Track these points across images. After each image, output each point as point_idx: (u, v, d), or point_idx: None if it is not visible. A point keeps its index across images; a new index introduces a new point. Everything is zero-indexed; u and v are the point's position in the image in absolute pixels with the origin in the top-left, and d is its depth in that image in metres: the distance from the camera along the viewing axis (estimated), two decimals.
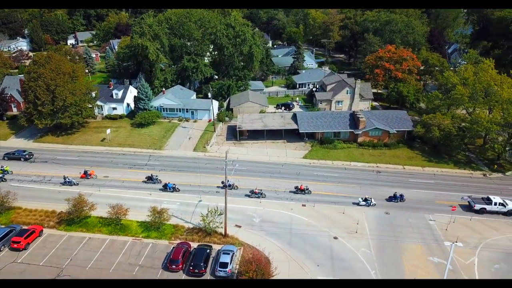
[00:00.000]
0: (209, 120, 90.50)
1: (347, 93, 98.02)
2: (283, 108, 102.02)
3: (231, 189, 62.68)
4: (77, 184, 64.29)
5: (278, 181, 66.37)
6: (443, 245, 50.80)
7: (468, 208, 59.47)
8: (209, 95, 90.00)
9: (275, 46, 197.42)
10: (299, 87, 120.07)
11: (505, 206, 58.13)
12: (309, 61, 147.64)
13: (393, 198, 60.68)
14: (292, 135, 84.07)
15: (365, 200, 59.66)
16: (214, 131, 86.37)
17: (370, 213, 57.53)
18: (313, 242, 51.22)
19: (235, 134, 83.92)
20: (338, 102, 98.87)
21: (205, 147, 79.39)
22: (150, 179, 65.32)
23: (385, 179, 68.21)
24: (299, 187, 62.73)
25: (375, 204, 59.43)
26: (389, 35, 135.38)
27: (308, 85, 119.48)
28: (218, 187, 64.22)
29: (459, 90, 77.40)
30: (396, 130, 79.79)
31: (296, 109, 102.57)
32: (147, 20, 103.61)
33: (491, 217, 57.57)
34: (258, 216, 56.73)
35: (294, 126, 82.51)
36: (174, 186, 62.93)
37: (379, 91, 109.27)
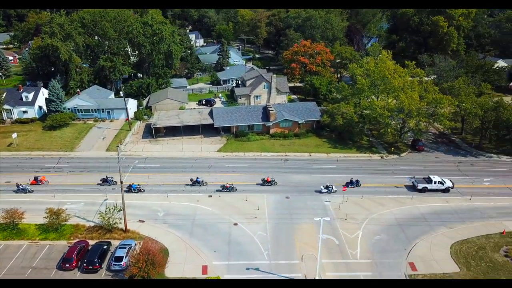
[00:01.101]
0: (126, 119, 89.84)
1: (264, 88, 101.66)
2: (204, 104, 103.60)
3: (200, 185, 63.76)
4: (32, 191, 61.93)
5: (189, 175, 67.79)
6: (334, 223, 55.25)
7: (413, 188, 64.37)
8: (121, 93, 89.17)
9: (206, 44, 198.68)
10: (223, 83, 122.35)
11: (443, 184, 63.40)
12: (236, 57, 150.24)
13: (350, 184, 64.40)
14: (209, 130, 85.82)
15: (327, 187, 62.64)
16: (130, 130, 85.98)
17: (272, 199, 60.89)
18: (214, 230, 53.42)
19: (151, 132, 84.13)
20: (257, 96, 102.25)
21: (118, 146, 78.67)
22: (105, 181, 64.37)
23: (291, 166, 72.27)
24: (266, 179, 64.18)
25: (336, 191, 62.44)
26: (310, 31, 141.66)
27: (232, 81, 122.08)
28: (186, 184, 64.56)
29: (360, 81, 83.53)
30: (304, 121, 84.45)
31: (218, 104, 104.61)
32: (57, 19, 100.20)
33: (385, 194, 62.77)
34: (163, 210, 57.90)
35: (210, 121, 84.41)
36: (138, 187, 62.49)
37: (296, 84, 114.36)
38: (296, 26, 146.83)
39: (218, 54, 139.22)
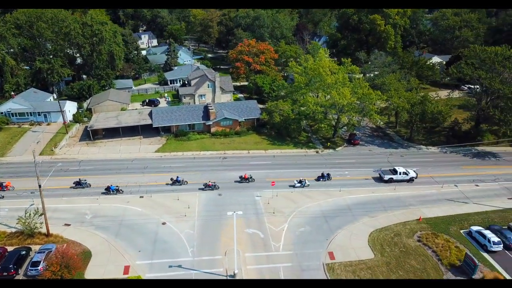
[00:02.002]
0: (64, 122, 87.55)
1: (208, 87, 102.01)
2: (148, 104, 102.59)
3: (180, 184, 63.77)
4: (2, 197, 59.74)
5: (122, 176, 67.22)
6: (261, 217, 56.61)
7: (380, 179, 67.20)
8: (55, 96, 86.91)
9: (159, 44, 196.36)
10: (170, 83, 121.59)
11: (407, 175, 66.54)
12: (186, 57, 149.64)
13: (321, 178, 66.52)
14: (150, 131, 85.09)
15: (300, 182, 64.11)
16: (67, 132, 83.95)
17: (204, 196, 61.52)
18: (141, 230, 53.37)
19: (89, 134, 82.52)
20: (201, 96, 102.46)
21: (52, 150, 76.87)
22: (78, 183, 62.76)
23: (229, 164, 73.17)
24: (243, 176, 64.74)
25: (309, 185, 64.24)
26: (259, 30, 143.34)
27: (179, 81, 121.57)
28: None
29: (297, 78, 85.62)
30: (245, 119, 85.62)
31: (163, 104, 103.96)
32: None
33: (320, 187, 64.94)
34: (92, 212, 57.15)
35: (150, 122, 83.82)
36: (117, 188, 61.59)
37: (243, 83, 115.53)
38: (245, 26, 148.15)
39: (166, 54, 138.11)
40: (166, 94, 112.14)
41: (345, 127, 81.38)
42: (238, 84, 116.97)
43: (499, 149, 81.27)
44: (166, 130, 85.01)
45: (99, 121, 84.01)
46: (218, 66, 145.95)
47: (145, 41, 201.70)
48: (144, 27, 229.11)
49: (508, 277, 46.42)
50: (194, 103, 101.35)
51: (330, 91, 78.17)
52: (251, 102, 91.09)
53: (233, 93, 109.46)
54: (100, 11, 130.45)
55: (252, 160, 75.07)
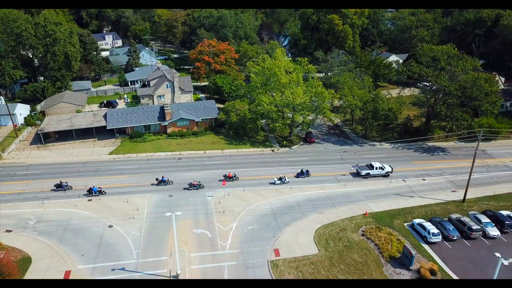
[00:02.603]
0: (15, 126, 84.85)
1: (167, 87, 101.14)
2: (105, 105, 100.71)
3: (165, 184, 64.14)
4: None
5: (72, 180, 65.75)
6: (211, 217, 56.67)
7: (357, 174, 68.78)
8: (2, 98, 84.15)
9: (124, 44, 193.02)
10: (131, 84, 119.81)
11: (383, 169, 68.53)
12: (149, 58, 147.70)
13: (301, 174, 67.70)
14: (105, 133, 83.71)
15: (280, 179, 65.32)
16: (17, 136, 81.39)
17: (154, 198, 61.01)
18: (86, 234, 52.40)
19: (41, 138, 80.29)
20: (160, 96, 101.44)
21: (0, 154, 74.40)
22: (59, 186, 62.03)
23: (184, 164, 72.87)
24: (227, 175, 65.52)
25: (288, 182, 65.38)
26: (222, 30, 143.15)
27: (140, 82, 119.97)
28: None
29: (253, 78, 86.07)
30: (202, 119, 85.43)
31: (121, 106, 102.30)
32: None
33: (276, 186, 65.48)
34: (36, 217, 55.65)
35: (104, 123, 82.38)
36: (99, 189, 61.02)
37: (204, 83, 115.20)
38: (209, 26, 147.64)
39: (127, 55, 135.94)
40: (125, 95, 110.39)
41: (300, 126, 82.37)
42: (199, 84, 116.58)
43: (447, 144, 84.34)
44: (122, 131, 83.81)
45: (51, 123, 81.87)
46: (182, 67, 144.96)
47: (109, 42, 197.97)
48: (109, 28, 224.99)
49: (444, 266, 48.28)
50: (153, 104, 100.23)
51: (284, 90, 78.96)
52: (209, 102, 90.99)
53: (194, 93, 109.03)
54: (62, 12, 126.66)
55: (208, 160, 75.04)
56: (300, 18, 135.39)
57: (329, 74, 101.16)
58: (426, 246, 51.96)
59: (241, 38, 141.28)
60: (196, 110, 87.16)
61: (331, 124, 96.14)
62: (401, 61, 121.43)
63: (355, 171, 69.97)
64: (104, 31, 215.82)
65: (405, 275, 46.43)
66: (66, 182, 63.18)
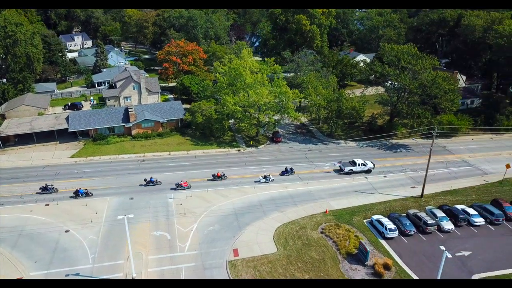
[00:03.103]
0: None
1: (133, 88, 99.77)
2: (70, 108, 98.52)
3: (154, 185, 64.13)
4: None
5: (30, 185, 64.11)
6: (172, 218, 56.23)
7: (341, 171, 70.61)
8: None
9: (94, 45, 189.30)
10: (98, 85, 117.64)
11: (365, 166, 70.43)
12: (118, 59, 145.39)
13: (285, 172, 68.84)
14: (68, 136, 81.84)
15: (265, 177, 65.99)
16: None
17: (115, 201, 60.08)
18: (41, 240, 51.15)
19: None
20: (126, 98, 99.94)
21: None
22: (45, 189, 61.27)
23: (147, 167, 71.99)
24: (216, 174, 65.67)
25: (273, 180, 66.29)
26: (193, 31, 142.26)
27: (107, 83, 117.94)
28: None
29: (219, 78, 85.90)
30: (167, 120, 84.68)
31: (87, 108, 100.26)
32: None
33: (240, 185, 65.54)
34: None
35: (66, 126, 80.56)
36: (86, 191, 60.50)
37: (171, 84, 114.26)
38: (179, 26, 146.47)
39: (94, 56, 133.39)
40: (91, 97, 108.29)
41: (267, 126, 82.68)
42: (168, 85, 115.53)
43: (410, 141, 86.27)
44: (85, 134, 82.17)
45: (10, 127, 79.51)
46: (153, 67, 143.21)
47: (79, 43, 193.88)
48: (80, 28, 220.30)
49: (399, 261, 49.36)
50: (120, 105, 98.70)
51: (249, 90, 79.11)
52: (175, 103, 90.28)
53: (162, 94, 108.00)
54: (30, 12, 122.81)
55: (173, 161, 74.41)
56: (269, 18, 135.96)
57: (293, 74, 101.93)
58: (383, 242, 53.01)
59: (211, 39, 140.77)
60: (162, 111, 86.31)
61: (299, 123, 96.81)
62: (368, 60, 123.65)
63: (339, 168, 71.69)
64: (74, 32, 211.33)
65: (360, 271, 47.23)
66: (52, 185, 62.53)
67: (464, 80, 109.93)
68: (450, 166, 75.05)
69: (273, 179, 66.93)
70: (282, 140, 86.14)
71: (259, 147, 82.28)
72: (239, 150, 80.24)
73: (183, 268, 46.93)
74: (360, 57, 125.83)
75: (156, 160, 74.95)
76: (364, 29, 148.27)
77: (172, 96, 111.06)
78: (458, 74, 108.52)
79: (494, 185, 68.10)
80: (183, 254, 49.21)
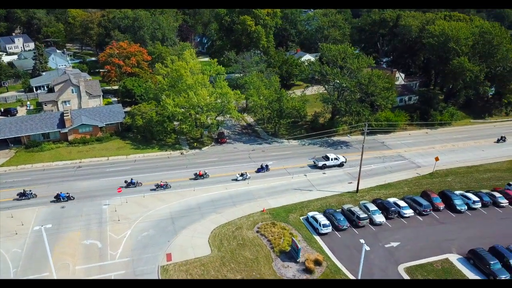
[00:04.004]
0: None
1: (72, 92, 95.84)
2: (3, 114, 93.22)
3: (135, 186, 64.13)
4: None
5: None
6: (104, 226, 54.48)
7: (315, 166, 73.32)
8: None
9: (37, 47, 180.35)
10: (37, 90, 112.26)
11: (338, 160, 73.34)
12: (60, 61, 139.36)
13: (261, 169, 70.74)
14: None
15: (242, 175, 67.45)
16: None
17: (44, 211, 57.40)
18: None
19: None
20: (65, 102, 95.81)
21: None
22: (23, 195, 59.83)
23: (83, 173, 69.41)
24: (198, 173, 66.77)
25: (249, 177, 67.65)
26: (139, 32, 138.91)
27: (46, 87, 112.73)
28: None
29: (160, 80, 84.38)
30: (105, 124, 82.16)
31: (23, 113, 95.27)
32: None
33: (179, 189, 64.60)
34: None
35: None
36: (68, 195, 59.69)
37: (114, 87, 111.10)
38: (124, 27, 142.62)
39: (33, 59, 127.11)
40: (28, 102, 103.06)
41: (210, 127, 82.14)
42: (111, 88, 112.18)
43: (350, 138, 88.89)
44: (17, 141, 77.99)
45: None
46: (98, 70, 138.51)
47: (19, 45, 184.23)
48: (21, 30, 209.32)
49: (331, 255, 50.52)
50: (58, 110, 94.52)
51: (189, 92, 78.27)
52: (115, 106, 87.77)
53: (105, 98, 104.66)
54: None
55: (111, 166, 72.19)
56: (214, 19, 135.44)
57: (238, 74, 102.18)
58: (317, 238, 54.11)
59: (159, 40, 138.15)
60: (101, 115, 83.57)
61: (245, 123, 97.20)
62: (313, 60, 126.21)
63: (313, 163, 74.11)
64: (14, 34, 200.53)
65: (292, 267, 47.90)
66: (30, 190, 60.94)
67: (403, 78, 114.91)
68: (386, 161, 78.01)
69: (249, 177, 68.26)
70: (227, 140, 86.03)
71: (202, 149, 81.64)
72: (181, 153, 79.16)
73: (112, 276, 45.54)
74: (306, 57, 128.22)
75: (93, 166, 72.40)
76: (311, 29, 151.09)
77: (115, 99, 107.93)
78: (397, 72, 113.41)
79: (425, 178, 71.62)
80: (114, 262, 47.77)
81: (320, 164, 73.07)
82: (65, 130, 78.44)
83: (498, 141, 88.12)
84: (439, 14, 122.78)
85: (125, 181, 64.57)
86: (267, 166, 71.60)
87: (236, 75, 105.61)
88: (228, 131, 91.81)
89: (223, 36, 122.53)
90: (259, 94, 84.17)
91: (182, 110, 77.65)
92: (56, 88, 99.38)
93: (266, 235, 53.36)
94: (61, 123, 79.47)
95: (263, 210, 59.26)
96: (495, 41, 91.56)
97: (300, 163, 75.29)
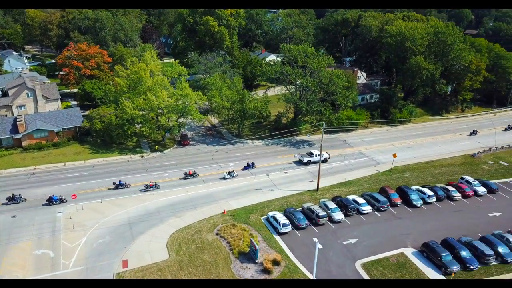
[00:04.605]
0: None
1: (28, 96, 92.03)
2: None
3: (123, 188, 64.23)
4: None
5: None
6: (58, 234, 52.59)
7: (300, 162, 75.57)
8: None
9: None
10: None
11: (322, 156, 73.04)
12: (17, 64, 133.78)
13: (247, 167, 72.36)
14: None
15: (229, 173, 69.13)
16: None
17: None
18: None
19: None
20: (20, 106, 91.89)
21: None
22: (12, 199, 58.98)
23: (37, 180, 66.78)
24: (188, 172, 68.28)
25: (237, 175, 69.21)
26: (100, 33, 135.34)
27: (1, 91, 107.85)
28: None
29: (119, 82, 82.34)
30: (62, 128, 79.48)
31: None
32: None
33: (129, 194, 63.12)
34: None
35: None
36: (60, 197, 59.34)
37: (74, 90, 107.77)
38: (85, 28, 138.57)
39: None
40: None
41: (171, 129, 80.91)
42: (70, 91, 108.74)
43: (314, 137, 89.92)
44: None
45: None
46: (57, 73, 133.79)
47: None
48: None
49: (290, 254, 50.78)
50: (12, 115, 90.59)
51: (149, 93, 76.83)
52: (73, 110, 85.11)
53: (65, 101, 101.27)
54: None
55: (67, 172, 69.81)
56: (177, 19, 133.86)
57: (204, 75, 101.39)
58: (277, 237, 54.30)
59: (121, 41, 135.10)
60: (58, 119, 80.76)
61: (209, 125, 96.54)
62: (277, 60, 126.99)
63: (298, 159, 76.07)
64: None
65: (251, 269, 47.79)
66: (20, 194, 60.23)
67: (365, 77, 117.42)
68: (347, 159, 79.38)
69: (237, 175, 69.79)
70: (191, 142, 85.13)
71: (164, 152, 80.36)
72: (142, 156, 77.61)
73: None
74: (271, 57, 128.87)
75: (48, 172, 69.81)
76: (276, 29, 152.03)
77: (75, 102, 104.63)
78: (359, 71, 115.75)
79: (384, 174, 73.39)
80: (66, 272, 46.14)
81: (305, 160, 75.26)
82: (19, 136, 75.27)
83: (470, 134, 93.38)
84: (398, 15, 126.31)
85: (113, 183, 64.50)
86: (253, 163, 73.02)
87: (200, 76, 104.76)
88: (192, 132, 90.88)
89: (187, 37, 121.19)
90: (221, 95, 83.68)
91: (142, 112, 76.15)
92: (11, 92, 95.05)
93: (226, 237, 53.04)
94: (14, 129, 76.25)
95: (224, 212, 58.90)
96: (448, 40, 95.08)
97: (264, 163, 75.43)
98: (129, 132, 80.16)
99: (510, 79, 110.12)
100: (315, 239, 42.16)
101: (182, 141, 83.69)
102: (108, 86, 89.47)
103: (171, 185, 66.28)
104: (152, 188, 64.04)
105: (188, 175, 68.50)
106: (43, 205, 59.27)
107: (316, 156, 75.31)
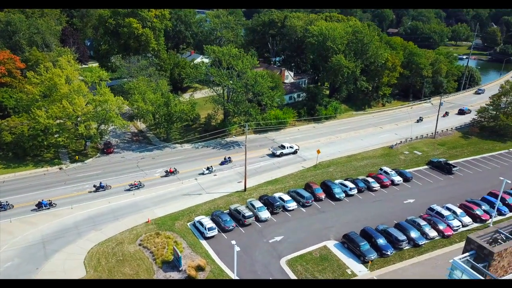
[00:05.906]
0: None
1: None
2: None
3: (104, 190, 64.19)
4: None
5: None
6: None
7: (273, 155, 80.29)
8: None
9: None
10: None
11: (292, 148, 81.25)
12: None
13: (224, 162, 75.44)
14: None
15: (208, 168, 71.62)
16: None
17: None
18: None
19: None
20: None
21: None
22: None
23: None
24: (169, 170, 69.98)
25: (215, 170, 72.69)
26: (13, 37, 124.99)
27: None
28: None
29: (31, 90, 76.49)
30: None
31: None
32: None
33: (53, 209, 58.64)
34: None
35: None
36: (50, 202, 58.74)
37: None
38: None
39: None
40: None
41: (92, 137, 76.69)
42: None
43: (242, 137, 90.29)
44: None
45: None
46: None
47: None
48: None
49: (216, 259, 50.27)
50: None
51: (64, 101, 72.12)
52: None
53: None
54: None
55: None
56: (98, 22, 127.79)
57: (128, 80, 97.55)
58: (203, 242, 53.55)
59: (38, 45, 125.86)
60: None
61: (136, 130, 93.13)
62: (206, 61, 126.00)
63: (271, 152, 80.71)
64: None
65: (175, 277, 46.64)
66: (6, 201, 58.86)
67: (292, 76, 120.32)
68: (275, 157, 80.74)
69: (215, 169, 72.86)
70: (115, 150, 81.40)
71: (86, 162, 75.96)
72: (60, 168, 72.72)
73: None
74: (200, 58, 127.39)
75: None
76: (206, 30, 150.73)
77: None
78: (286, 71, 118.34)
79: (310, 170, 75.59)
80: None
81: (278, 152, 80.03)
82: None
83: (417, 121, 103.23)
84: (321, 15, 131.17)
85: (94, 186, 64.69)
86: (229, 158, 76.46)
87: (124, 80, 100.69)
88: (116, 139, 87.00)
89: (109, 40, 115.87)
90: (144, 99, 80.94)
91: (59, 121, 71.28)
92: None
93: (149, 247, 51.22)
94: None
95: (148, 221, 56.90)
96: (365, 39, 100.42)
97: (192, 167, 74.20)
98: (45, 143, 74.77)
99: (423, 74, 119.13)
100: (233, 242, 41.79)
101: (106, 149, 79.76)
102: (20, 95, 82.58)
103: (90, 197, 62.80)
104: (137, 187, 65.07)
105: (169, 173, 70.06)
106: (32, 210, 57.08)
107: (287, 148, 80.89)
